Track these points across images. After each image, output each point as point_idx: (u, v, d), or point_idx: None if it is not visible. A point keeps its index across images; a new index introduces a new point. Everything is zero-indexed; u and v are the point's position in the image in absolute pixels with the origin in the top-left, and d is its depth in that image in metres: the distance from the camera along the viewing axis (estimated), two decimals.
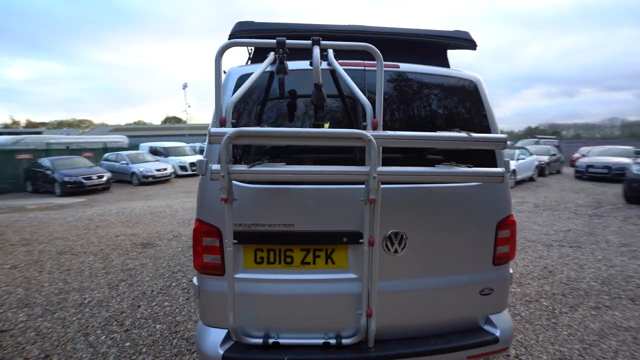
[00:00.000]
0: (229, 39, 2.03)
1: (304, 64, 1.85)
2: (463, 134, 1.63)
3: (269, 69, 1.76)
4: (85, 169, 13.03)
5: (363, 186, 1.66)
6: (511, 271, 2.12)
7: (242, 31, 1.99)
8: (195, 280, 1.93)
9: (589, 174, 13.36)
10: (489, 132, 2.00)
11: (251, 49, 2.31)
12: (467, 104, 2.04)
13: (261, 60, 1.84)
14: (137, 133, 42.50)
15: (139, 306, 3.31)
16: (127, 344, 2.72)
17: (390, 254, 1.81)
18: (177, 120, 72.63)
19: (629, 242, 5.36)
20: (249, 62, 2.27)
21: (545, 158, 15.21)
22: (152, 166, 14.92)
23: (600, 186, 11.72)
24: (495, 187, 1.96)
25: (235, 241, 1.68)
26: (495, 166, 1.93)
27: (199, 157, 2.04)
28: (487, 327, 2.00)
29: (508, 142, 1.80)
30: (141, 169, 14.44)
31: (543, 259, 4.64)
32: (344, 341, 1.79)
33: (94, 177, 12.73)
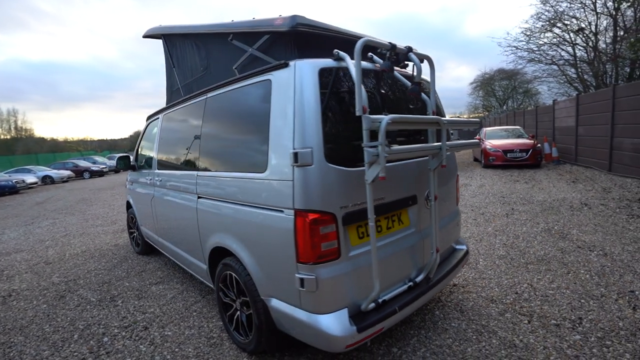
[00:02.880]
0: (291, 27, 1.99)
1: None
2: (462, 119, 2.45)
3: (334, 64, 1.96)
4: None
5: (415, 160, 2.21)
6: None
7: (301, 25, 2.03)
8: (304, 275, 1.86)
9: None
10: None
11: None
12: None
13: (307, 52, 2.05)
14: None
15: None
16: None
17: (427, 207, 2.41)
18: None
19: None
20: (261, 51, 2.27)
21: None
22: None
23: None
24: (454, 154, 2.91)
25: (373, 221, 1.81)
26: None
27: None
28: (458, 247, 2.96)
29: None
30: None
31: None
32: (417, 279, 2.29)
33: None
